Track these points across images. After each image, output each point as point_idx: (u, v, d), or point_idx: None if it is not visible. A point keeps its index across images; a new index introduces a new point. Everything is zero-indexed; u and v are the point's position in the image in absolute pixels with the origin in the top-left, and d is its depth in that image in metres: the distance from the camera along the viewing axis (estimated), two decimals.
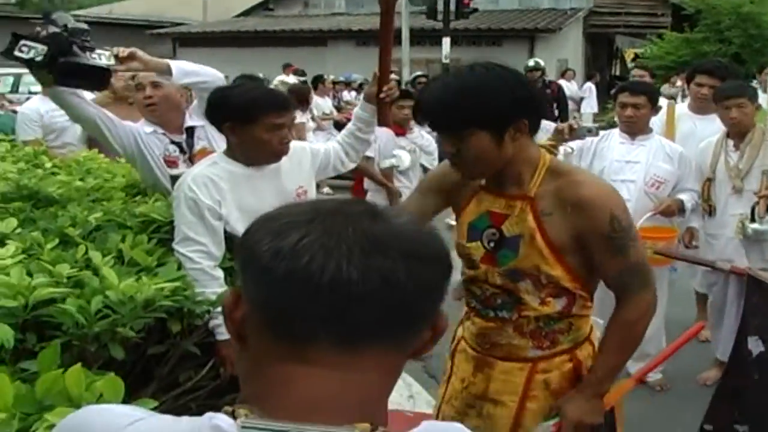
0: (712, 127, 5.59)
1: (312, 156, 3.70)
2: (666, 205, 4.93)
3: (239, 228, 3.30)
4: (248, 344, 1.08)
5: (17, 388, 1.64)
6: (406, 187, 6.61)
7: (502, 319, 2.56)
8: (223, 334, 2.98)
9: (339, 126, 12.72)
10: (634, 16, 30.55)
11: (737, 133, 5.10)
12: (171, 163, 3.99)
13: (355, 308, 0.99)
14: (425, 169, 6.82)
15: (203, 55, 24.49)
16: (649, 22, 30.25)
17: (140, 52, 3.52)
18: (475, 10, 20.51)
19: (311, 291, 0.98)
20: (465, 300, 2.74)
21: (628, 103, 5.07)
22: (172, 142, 4.00)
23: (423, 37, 22.83)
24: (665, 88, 21.13)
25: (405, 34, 20.82)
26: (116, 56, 3.42)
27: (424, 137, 6.77)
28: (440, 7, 20.00)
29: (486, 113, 2.30)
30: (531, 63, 12.63)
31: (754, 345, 3.30)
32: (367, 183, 6.66)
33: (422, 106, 2.45)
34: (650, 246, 4.34)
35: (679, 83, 18.63)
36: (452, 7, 19.80)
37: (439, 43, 20.56)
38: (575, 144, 4.93)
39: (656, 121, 5.63)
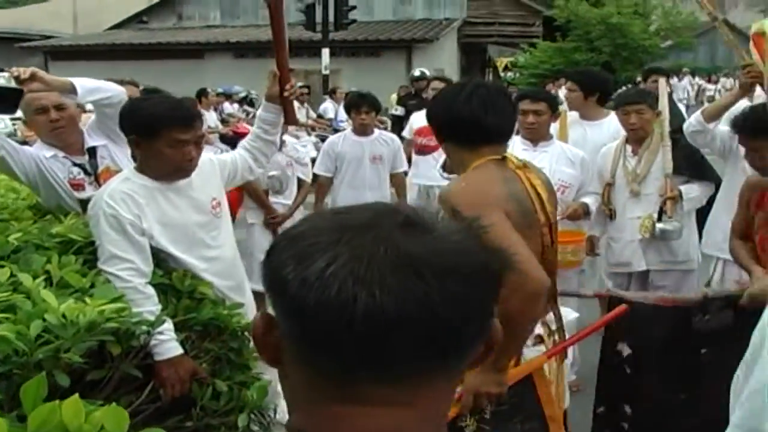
0: (602, 132, 5.73)
1: (220, 167, 3.66)
2: (573, 209, 4.99)
3: (164, 242, 3.22)
4: (287, 370, 1.00)
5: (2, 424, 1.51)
6: (281, 204, 6.48)
7: None
8: (161, 354, 2.87)
9: (224, 140, 12.52)
10: (507, 26, 31.21)
11: (636, 138, 5.19)
12: (77, 186, 3.83)
13: (393, 340, 0.90)
14: (300, 182, 6.68)
15: (77, 68, 23.68)
16: (521, 32, 30.95)
17: (41, 72, 3.40)
18: (354, 21, 20.60)
19: (344, 324, 0.89)
20: None
21: (529, 110, 5.09)
22: (75, 165, 3.84)
23: (301, 49, 22.71)
24: None
25: None
26: (16, 78, 3.28)
27: (298, 150, 6.65)
28: (318, 18, 20.00)
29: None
30: (417, 73, 12.65)
31: (623, 348, 3.74)
32: (246, 200, 6.47)
33: None
34: (559, 249, 4.42)
35: (553, 90, 19.25)
36: (330, 18, 19.85)
37: (318, 55, 20.56)
38: None
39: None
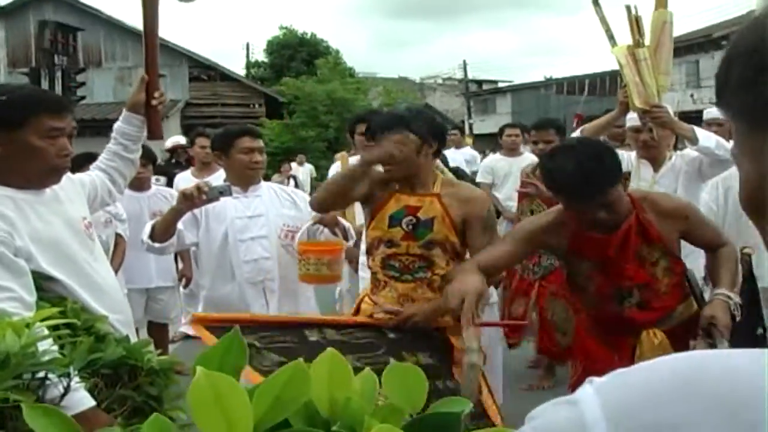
0: None
1: (81, 185, 3.01)
2: (319, 216, 4.30)
3: (44, 265, 2.51)
4: None
5: None
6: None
7: (420, 279, 3.56)
8: (70, 408, 2.05)
9: None
10: (230, 107, 31.20)
11: None
12: None
13: None
14: (118, 239, 5.99)
15: None
16: (244, 113, 31.01)
17: None
18: (83, 97, 19.59)
19: None
20: (376, 277, 3.68)
21: (254, 147, 4.45)
22: None
23: None
24: (276, 178, 21.62)
25: None
26: None
27: (117, 206, 5.93)
28: None
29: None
30: (183, 141, 12.25)
31: None
32: None
33: None
34: (314, 261, 4.10)
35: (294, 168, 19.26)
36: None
37: None
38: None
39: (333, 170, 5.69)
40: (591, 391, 0.69)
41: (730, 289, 3.08)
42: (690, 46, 31.96)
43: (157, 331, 6.67)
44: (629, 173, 4.83)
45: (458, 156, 12.04)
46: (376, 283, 3.71)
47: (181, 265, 6.76)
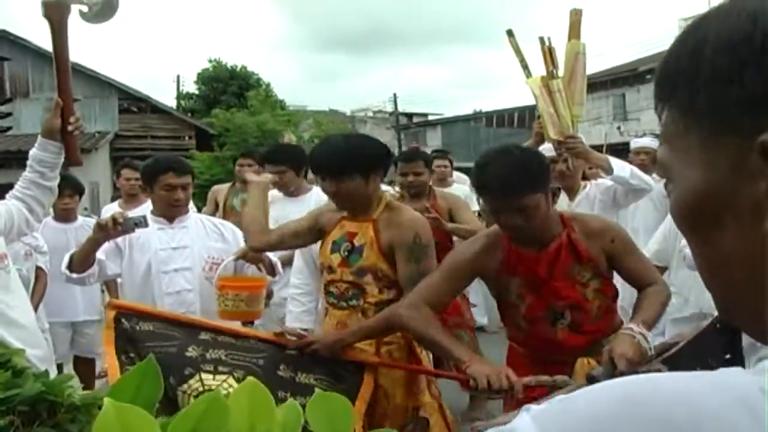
0: (302, 206, 5.34)
1: None
2: (242, 251, 4.27)
3: None
4: None
5: None
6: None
7: (353, 307, 3.50)
8: None
9: None
10: (160, 140, 30.97)
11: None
12: None
13: None
14: (39, 272, 5.84)
15: None
16: (174, 145, 30.80)
17: None
18: (9, 128, 19.31)
19: None
20: (324, 302, 3.69)
21: (176, 184, 4.42)
22: None
23: None
24: (207, 209, 21.31)
25: None
26: None
27: (37, 238, 5.79)
28: None
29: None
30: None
31: None
32: None
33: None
34: (232, 297, 4.01)
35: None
36: None
37: None
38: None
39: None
40: (528, 419, 0.64)
41: (639, 324, 3.03)
42: (616, 80, 32.74)
43: (84, 366, 6.54)
44: (559, 188, 4.84)
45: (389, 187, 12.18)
46: (324, 311, 3.71)
47: (107, 298, 6.61)
